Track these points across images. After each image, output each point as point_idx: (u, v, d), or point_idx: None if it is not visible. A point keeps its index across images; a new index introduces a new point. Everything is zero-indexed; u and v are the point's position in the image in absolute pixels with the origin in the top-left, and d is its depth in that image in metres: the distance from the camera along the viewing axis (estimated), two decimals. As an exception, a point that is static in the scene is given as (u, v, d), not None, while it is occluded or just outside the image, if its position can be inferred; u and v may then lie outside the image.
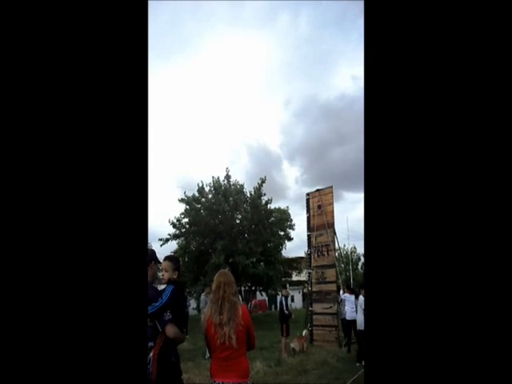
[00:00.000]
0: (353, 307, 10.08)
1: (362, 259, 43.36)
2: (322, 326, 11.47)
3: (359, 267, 42.71)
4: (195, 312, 17.09)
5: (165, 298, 3.15)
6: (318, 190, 12.55)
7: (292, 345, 10.40)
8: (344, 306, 10.49)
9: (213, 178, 20.61)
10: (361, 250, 38.64)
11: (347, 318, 10.15)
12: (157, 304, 3.05)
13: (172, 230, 20.46)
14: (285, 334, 10.40)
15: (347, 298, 10.30)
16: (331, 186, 12.28)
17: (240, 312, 2.99)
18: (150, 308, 2.96)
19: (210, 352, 3.17)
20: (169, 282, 3.30)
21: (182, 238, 20.74)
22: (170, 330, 3.02)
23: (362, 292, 10.17)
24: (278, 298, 29.08)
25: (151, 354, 3.01)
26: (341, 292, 11.35)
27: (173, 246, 21.76)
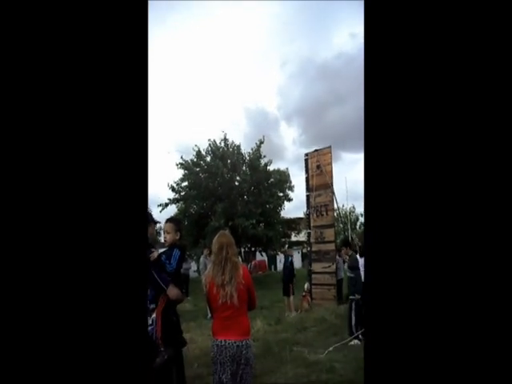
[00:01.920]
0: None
1: (361, 219, 43.63)
2: (321, 284, 11.66)
3: (358, 227, 43.07)
4: (196, 274, 17.34)
5: (174, 263, 3.19)
6: (316, 151, 12.49)
7: (304, 305, 10.65)
8: (341, 267, 10.58)
9: (209, 140, 20.48)
10: (359, 209, 38.73)
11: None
12: (170, 269, 3.12)
13: (170, 196, 20.52)
14: (291, 294, 10.61)
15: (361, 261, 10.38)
16: (330, 147, 12.21)
17: (241, 272, 3.03)
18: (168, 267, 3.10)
19: (211, 312, 3.23)
20: (172, 244, 3.31)
21: (182, 202, 20.79)
22: (173, 291, 3.06)
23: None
24: (278, 258, 29.52)
25: (154, 315, 3.06)
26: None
27: (172, 210, 21.84)
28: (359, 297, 7.09)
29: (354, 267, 7.39)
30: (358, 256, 9.13)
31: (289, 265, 11.11)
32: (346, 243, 7.98)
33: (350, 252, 7.60)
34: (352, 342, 6.86)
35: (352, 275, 7.41)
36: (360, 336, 7.01)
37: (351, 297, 7.22)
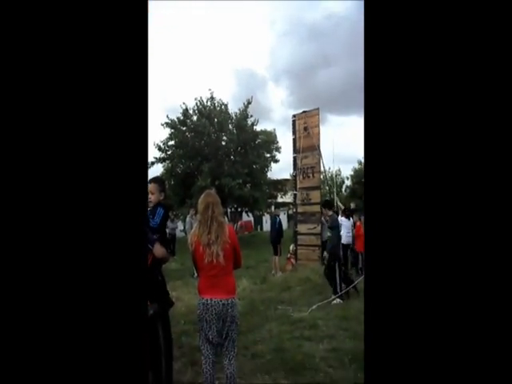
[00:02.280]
0: (348, 232, 10.33)
1: (346, 182, 43.95)
2: (306, 245, 11.83)
3: (343, 190, 43.46)
4: (182, 234, 17.43)
5: (157, 219, 3.17)
6: (304, 112, 12.38)
7: (287, 267, 10.85)
8: (326, 229, 10.70)
9: (195, 99, 20.13)
10: (345, 172, 38.93)
11: (344, 242, 10.41)
12: (153, 224, 3.10)
13: (156, 154, 20.31)
14: (278, 254, 10.76)
15: (344, 222, 10.50)
16: (318, 109, 12.10)
17: (227, 231, 3.03)
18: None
19: (197, 271, 3.24)
20: (156, 204, 3.29)
21: (168, 162, 20.64)
22: (159, 250, 3.06)
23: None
24: (264, 218, 29.74)
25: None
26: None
27: (158, 169, 21.71)
28: (326, 255, 7.21)
29: (332, 227, 7.49)
30: (340, 217, 9.27)
31: (277, 225, 11.19)
32: (326, 204, 8.01)
33: (331, 213, 7.65)
34: (335, 301, 7.02)
35: (330, 235, 7.51)
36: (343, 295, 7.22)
37: (324, 254, 7.36)
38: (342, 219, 10.46)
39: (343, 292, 7.20)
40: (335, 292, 7.21)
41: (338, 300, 7.09)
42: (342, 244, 10.29)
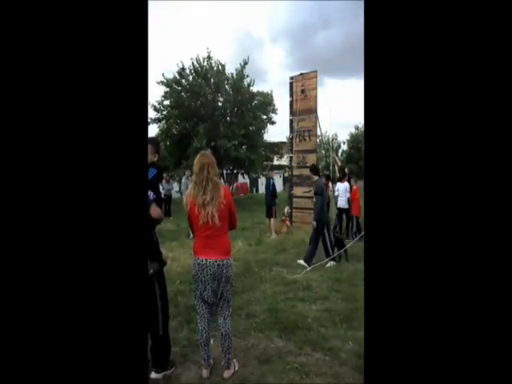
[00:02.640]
0: (342, 196, 10.42)
1: (343, 146, 43.95)
2: (301, 208, 11.88)
3: (339, 154, 43.49)
4: (178, 195, 17.47)
5: (150, 175, 3.16)
6: (301, 75, 12.15)
7: (283, 229, 10.97)
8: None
9: (191, 59, 19.74)
10: (342, 137, 38.89)
11: (340, 206, 10.49)
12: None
13: (151, 115, 20.09)
14: (273, 216, 10.83)
15: (340, 186, 10.55)
16: (315, 71, 11.86)
17: (222, 192, 3.03)
18: None
19: (192, 232, 3.26)
20: (150, 164, 3.27)
21: (163, 122, 20.42)
22: (155, 211, 3.07)
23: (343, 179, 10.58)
24: (260, 180, 29.74)
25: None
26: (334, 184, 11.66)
27: (153, 130, 21.51)
28: (315, 223, 7.28)
29: (316, 193, 7.50)
30: (336, 183, 9.33)
31: (270, 187, 11.22)
32: (312, 169, 7.95)
33: (316, 178, 7.64)
34: (328, 264, 7.14)
35: (315, 200, 7.54)
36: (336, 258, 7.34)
37: (313, 222, 7.41)
38: (339, 184, 10.53)
39: (335, 255, 7.29)
40: (327, 255, 7.30)
41: (332, 263, 7.19)
42: (339, 208, 10.43)
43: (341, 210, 10.59)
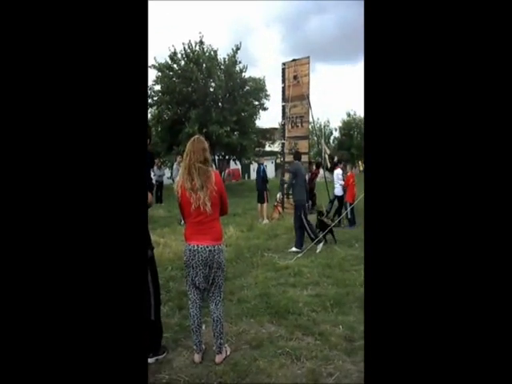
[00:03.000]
0: (337, 183, 10.47)
1: (334, 133, 43.96)
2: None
3: (331, 141, 43.51)
4: (170, 181, 17.41)
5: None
6: (294, 61, 12.09)
7: (275, 215, 11.01)
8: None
9: (183, 44, 19.50)
10: (334, 124, 38.94)
11: (335, 193, 10.56)
12: None
13: (143, 99, 19.88)
14: (265, 201, 10.85)
15: (334, 174, 10.58)
16: (308, 57, 11.79)
17: (213, 179, 3.03)
18: None
19: (184, 218, 3.26)
20: None
21: (155, 108, 20.24)
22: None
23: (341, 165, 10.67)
24: (252, 167, 29.70)
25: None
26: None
27: (145, 115, 21.32)
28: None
29: (290, 171, 7.82)
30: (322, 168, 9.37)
31: (261, 173, 11.23)
32: (294, 155, 8.36)
33: (295, 161, 7.90)
34: (318, 250, 7.19)
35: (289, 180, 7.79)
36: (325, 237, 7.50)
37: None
38: (338, 171, 10.54)
39: (320, 237, 7.39)
40: (312, 239, 7.36)
41: (320, 245, 7.25)
42: (336, 195, 10.49)
43: (335, 197, 10.65)
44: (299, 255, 6.81)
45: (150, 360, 3.25)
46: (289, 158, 12.11)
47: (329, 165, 11.73)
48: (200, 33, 25.18)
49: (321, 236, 7.40)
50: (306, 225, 7.36)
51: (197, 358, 3.26)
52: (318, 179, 13.19)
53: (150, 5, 1.80)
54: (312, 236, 7.34)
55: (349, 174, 10.41)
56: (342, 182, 10.31)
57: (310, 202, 11.95)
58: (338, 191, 10.43)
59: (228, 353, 3.34)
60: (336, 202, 10.72)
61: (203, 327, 3.53)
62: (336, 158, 11.75)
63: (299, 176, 7.49)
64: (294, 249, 7.24)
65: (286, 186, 7.48)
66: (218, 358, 3.23)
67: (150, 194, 3.16)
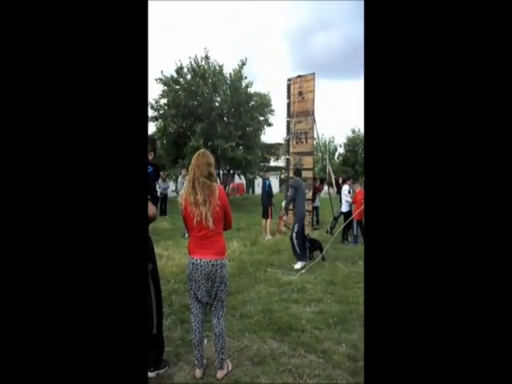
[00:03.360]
0: (343, 199, 10.45)
1: (339, 149, 44.11)
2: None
3: (335, 157, 43.62)
4: (174, 194, 17.44)
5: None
6: (299, 77, 12.17)
7: (281, 226, 11.05)
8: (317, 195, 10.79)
9: (190, 58, 19.73)
10: (338, 140, 39.07)
11: (345, 210, 10.50)
12: None
13: (149, 112, 20.07)
14: (269, 217, 10.84)
15: (346, 189, 10.53)
16: (313, 73, 11.87)
17: (217, 193, 3.03)
18: None
19: (187, 231, 3.26)
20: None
21: (161, 121, 20.38)
22: (150, 208, 3.06)
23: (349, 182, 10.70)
24: (256, 181, 29.74)
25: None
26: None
27: (150, 128, 21.50)
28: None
29: (291, 186, 7.80)
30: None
31: (266, 188, 11.25)
32: (294, 171, 8.50)
33: (295, 177, 7.98)
34: (297, 266, 7.19)
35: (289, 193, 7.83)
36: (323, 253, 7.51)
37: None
38: (346, 187, 10.51)
39: (307, 255, 7.50)
40: (295, 255, 7.45)
41: (299, 264, 7.25)
42: (341, 212, 10.46)
43: (340, 214, 10.60)
44: (302, 271, 6.77)
45: (150, 374, 3.21)
46: (293, 174, 12.14)
47: (335, 188, 11.78)
48: (205, 48, 25.64)
49: (308, 255, 7.51)
50: (297, 239, 7.39)
51: (198, 373, 3.22)
52: (322, 195, 13.19)
53: (150, 5, 1.80)
54: (298, 251, 7.37)
55: (357, 190, 10.35)
56: (349, 199, 10.26)
57: (316, 219, 11.94)
58: (344, 208, 10.39)
59: (230, 368, 3.30)
60: (341, 219, 10.64)
61: (205, 342, 3.50)
62: (340, 180, 11.75)
63: (300, 191, 7.56)
64: (298, 265, 7.22)
65: (286, 201, 7.44)
66: (220, 374, 3.19)
67: (154, 207, 3.16)
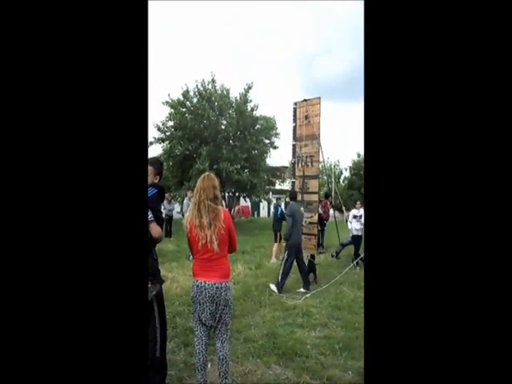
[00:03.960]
0: (350, 223, 10.33)
1: (344, 173, 44.15)
2: (303, 233, 11.85)
3: (341, 181, 43.63)
4: (179, 216, 17.45)
5: (149, 194, 3.15)
6: (305, 101, 12.29)
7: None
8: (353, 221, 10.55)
9: (196, 81, 20.05)
10: (344, 164, 39.13)
11: (353, 233, 10.33)
12: None
13: (155, 134, 20.30)
14: (278, 241, 10.78)
15: (354, 213, 10.40)
16: (319, 98, 12.00)
17: (222, 216, 3.03)
18: None
19: (192, 254, 3.25)
20: (151, 185, 3.27)
21: (167, 142, 20.55)
22: (155, 229, 3.06)
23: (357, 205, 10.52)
24: (262, 204, 29.69)
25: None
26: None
27: (157, 149, 21.66)
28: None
29: (287, 215, 7.62)
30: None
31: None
32: (289, 196, 8.39)
33: (291, 202, 7.90)
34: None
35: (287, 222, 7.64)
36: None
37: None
38: (360, 211, 10.38)
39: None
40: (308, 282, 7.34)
41: (302, 290, 7.19)
42: (353, 235, 10.29)
43: (352, 238, 10.41)
44: (307, 295, 6.71)
45: (153, 399, 3.16)
46: (299, 197, 12.13)
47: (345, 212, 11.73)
48: (212, 72, 26.11)
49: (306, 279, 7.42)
50: (287, 266, 7.30)
51: (201, 398, 3.16)
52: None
53: (150, 5, 1.80)
54: (278, 279, 7.25)
55: None
56: (358, 226, 10.12)
57: (321, 243, 11.83)
58: (354, 232, 10.23)
59: (233, 394, 3.24)
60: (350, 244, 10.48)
61: (209, 366, 3.45)
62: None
63: (296, 218, 7.43)
64: (301, 289, 7.17)
65: (286, 232, 7.34)
66: (223, 400, 3.13)
67: (159, 228, 3.15)
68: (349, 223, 10.26)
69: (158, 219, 3.20)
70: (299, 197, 12.01)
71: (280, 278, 7.18)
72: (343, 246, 10.92)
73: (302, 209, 7.83)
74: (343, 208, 12.86)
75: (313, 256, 8.12)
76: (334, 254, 10.97)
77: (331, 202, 12.83)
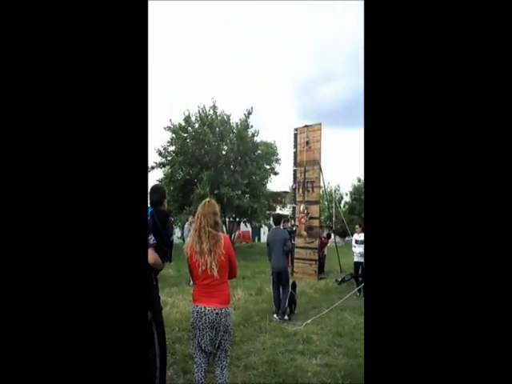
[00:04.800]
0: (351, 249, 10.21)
1: (345, 198, 44.14)
2: (303, 259, 11.81)
3: (341, 205, 43.60)
4: (180, 241, 17.40)
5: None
6: (306, 126, 12.44)
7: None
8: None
9: (198, 107, 20.27)
10: (344, 189, 39.20)
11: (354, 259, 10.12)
12: None
13: (156, 159, 20.43)
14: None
15: (357, 238, 10.18)
16: (320, 124, 12.16)
17: (222, 242, 3.05)
18: None
19: (192, 279, 3.24)
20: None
21: (168, 167, 20.65)
22: (150, 256, 3.05)
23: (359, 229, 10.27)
24: (262, 230, 29.49)
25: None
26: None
27: (158, 174, 21.75)
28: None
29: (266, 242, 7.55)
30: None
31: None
32: (274, 219, 8.12)
33: (276, 227, 7.70)
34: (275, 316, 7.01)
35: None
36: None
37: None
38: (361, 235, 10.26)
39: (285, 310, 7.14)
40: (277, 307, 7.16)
41: (276, 317, 7.03)
42: (355, 261, 10.12)
43: (357, 265, 10.21)
44: (308, 321, 6.63)
45: (151, 427, 3.10)
46: (291, 222, 12.16)
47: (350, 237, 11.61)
48: (213, 98, 26.57)
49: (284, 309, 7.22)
50: (277, 293, 7.22)
51: (200, 427, 3.11)
52: (328, 243, 13.09)
53: (150, 5, 1.80)
54: (277, 308, 7.15)
55: None
56: (355, 247, 10.02)
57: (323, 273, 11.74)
58: (356, 258, 10.06)
59: (233, 423, 3.18)
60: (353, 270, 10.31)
61: (208, 394, 3.39)
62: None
63: (271, 245, 7.32)
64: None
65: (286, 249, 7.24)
66: (223, 429, 3.07)
67: (155, 254, 3.14)
68: (353, 248, 10.17)
69: (157, 245, 3.19)
70: (292, 221, 11.99)
71: (282, 306, 7.08)
72: (352, 276, 10.66)
73: (284, 234, 7.50)
74: (349, 232, 12.77)
75: (294, 284, 7.72)
76: (338, 279, 10.81)
77: (331, 227, 12.80)
